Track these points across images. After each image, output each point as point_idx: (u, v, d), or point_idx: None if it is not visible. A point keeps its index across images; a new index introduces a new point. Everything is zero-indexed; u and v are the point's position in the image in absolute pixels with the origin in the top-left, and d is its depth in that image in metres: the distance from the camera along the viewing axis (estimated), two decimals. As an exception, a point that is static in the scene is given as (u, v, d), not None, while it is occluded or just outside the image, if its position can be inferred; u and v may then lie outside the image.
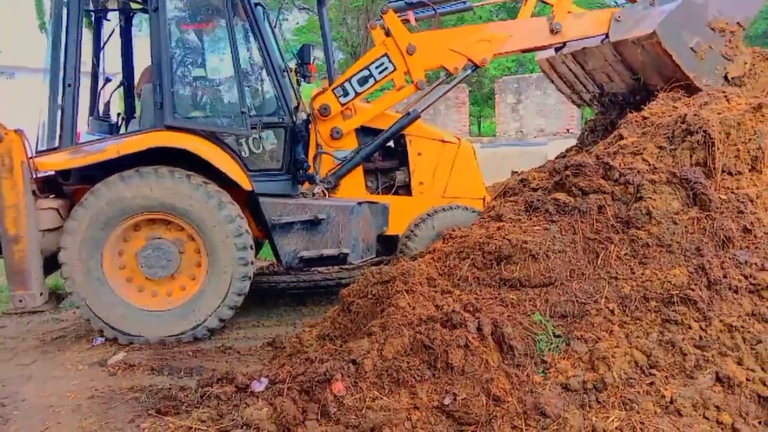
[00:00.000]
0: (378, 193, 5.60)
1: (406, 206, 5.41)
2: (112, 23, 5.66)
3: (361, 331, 3.79)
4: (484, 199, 5.65)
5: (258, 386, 3.41)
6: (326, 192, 5.30)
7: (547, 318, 3.41)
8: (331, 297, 5.89)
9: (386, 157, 5.73)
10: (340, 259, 5.10)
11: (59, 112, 4.76)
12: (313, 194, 5.23)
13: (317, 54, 6.40)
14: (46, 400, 3.82)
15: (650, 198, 3.84)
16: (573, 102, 6.54)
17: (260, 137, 5.06)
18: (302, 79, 5.52)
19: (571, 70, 5.88)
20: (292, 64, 5.58)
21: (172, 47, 4.95)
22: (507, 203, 4.50)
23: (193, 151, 4.65)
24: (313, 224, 4.98)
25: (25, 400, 3.84)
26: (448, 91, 6.42)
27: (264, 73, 5.21)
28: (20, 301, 4.59)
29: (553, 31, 5.26)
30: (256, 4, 5.00)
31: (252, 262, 4.87)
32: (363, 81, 5.23)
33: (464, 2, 5.62)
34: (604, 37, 5.31)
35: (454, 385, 3.10)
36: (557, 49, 5.86)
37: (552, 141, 13.72)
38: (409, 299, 3.66)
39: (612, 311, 3.34)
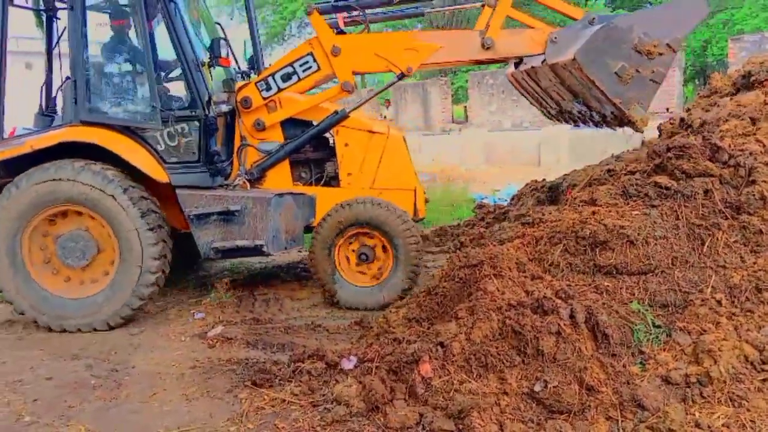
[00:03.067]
0: (311, 184, 5.59)
1: (334, 197, 5.28)
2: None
3: (448, 315, 3.78)
4: (414, 191, 5.52)
5: (347, 364, 3.49)
6: (249, 183, 5.32)
7: (645, 307, 3.24)
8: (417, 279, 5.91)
9: (316, 149, 5.66)
10: (256, 251, 5.10)
11: None
12: (234, 186, 5.25)
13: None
14: (153, 367, 4.11)
15: (764, 181, 3.55)
16: (545, 116, 6.14)
17: (175, 130, 5.07)
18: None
19: (530, 86, 5.58)
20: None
21: (86, 44, 4.99)
22: (601, 187, 4.31)
23: (103, 145, 4.78)
24: (229, 216, 5.02)
25: (135, 367, 4.15)
26: (376, 95, 6.15)
27: (178, 67, 5.21)
28: None
29: (485, 47, 5.03)
30: (170, 0, 4.99)
31: (165, 256, 4.96)
32: (287, 77, 5.21)
33: (416, 7, 5.43)
34: (543, 57, 5.02)
35: (544, 372, 3.03)
36: (516, 65, 5.52)
37: (649, 121, 12.91)
38: (498, 284, 3.60)
39: (719, 302, 3.13)
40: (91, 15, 5.06)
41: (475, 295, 3.58)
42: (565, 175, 6.42)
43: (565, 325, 3.12)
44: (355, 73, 5.29)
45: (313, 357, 3.77)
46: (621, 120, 4.83)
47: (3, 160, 4.89)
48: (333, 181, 5.58)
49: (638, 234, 3.49)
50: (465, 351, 3.20)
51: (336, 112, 5.34)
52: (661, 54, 4.58)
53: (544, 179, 7.10)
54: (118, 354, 4.40)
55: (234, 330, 4.75)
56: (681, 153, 3.82)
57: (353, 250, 5.19)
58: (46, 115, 5.64)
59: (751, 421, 2.57)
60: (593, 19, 4.79)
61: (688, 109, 5.01)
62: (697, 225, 3.51)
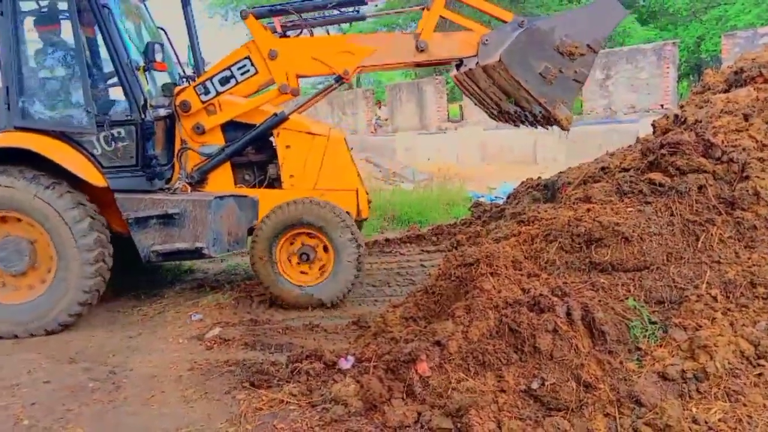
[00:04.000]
0: (254, 187, 5.62)
1: (277, 199, 5.29)
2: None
3: (445, 313, 3.79)
4: (356, 191, 5.56)
5: (345, 364, 3.50)
6: (190, 187, 5.37)
7: (641, 304, 3.26)
8: (414, 278, 5.93)
9: (259, 151, 5.67)
10: (196, 253, 5.13)
11: None
12: (175, 189, 5.29)
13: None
14: (150, 370, 4.11)
15: (758, 177, 3.57)
16: (489, 116, 6.21)
17: (111, 135, 5.07)
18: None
19: (471, 87, 5.66)
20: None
21: (19, 49, 4.99)
22: (596, 185, 4.33)
23: (37, 151, 4.79)
24: (168, 219, 5.07)
25: (133, 369, 4.14)
26: (316, 100, 6.25)
27: (113, 71, 5.19)
28: None
29: (419, 49, 5.11)
30: (103, 6, 4.97)
31: (103, 260, 4.97)
32: (224, 81, 5.25)
33: (357, 11, 5.42)
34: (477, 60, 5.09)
35: (541, 370, 3.04)
36: (458, 66, 5.57)
37: (644, 118, 12.98)
38: (494, 282, 3.61)
39: (714, 297, 3.15)
40: (25, 21, 5.09)
41: (472, 294, 3.59)
42: (561, 172, 6.43)
43: (561, 322, 3.13)
44: (299, 77, 5.31)
45: (311, 357, 3.78)
46: (549, 119, 4.96)
47: None
48: (276, 183, 5.60)
49: (633, 231, 3.51)
50: (462, 349, 3.21)
51: (275, 115, 5.37)
52: (582, 54, 4.72)
53: (539, 177, 7.12)
54: (115, 357, 4.40)
55: (232, 331, 4.75)
56: (674, 149, 3.84)
57: (294, 251, 5.22)
58: None
59: (747, 416, 2.58)
60: (522, 21, 4.90)
61: (682, 106, 5.03)
62: (691, 221, 3.53)
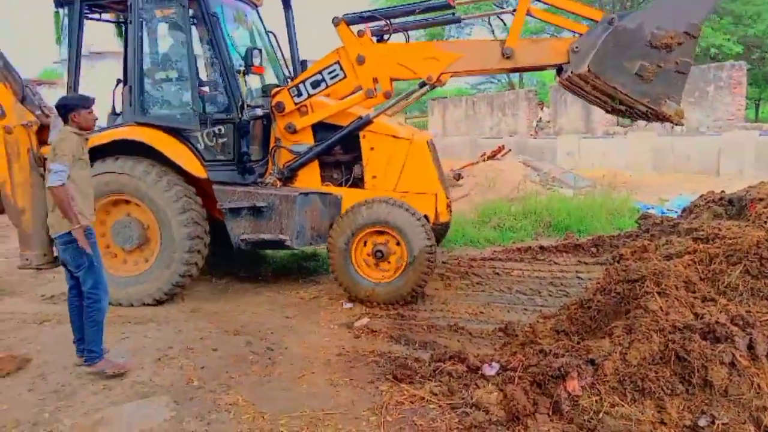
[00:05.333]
0: (341, 185, 5.81)
1: (359, 198, 5.44)
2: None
3: (602, 331, 3.54)
4: (436, 195, 5.62)
5: (489, 370, 3.41)
6: (281, 182, 5.70)
7: None
8: (568, 290, 5.62)
9: (346, 152, 5.81)
10: (280, 244, 5.49)
11: None
12: (267, 184, 5.63)
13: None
14: (303, 351, 4.36)
15: None
16: (605, 111, 5.57)
17: (213, 132, 5.52)
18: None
19: (576, 90, 5.25)
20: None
21: (141, 53, 5.57)
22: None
23: (149, 144, 5.36)
24: (258, 211, 5.44)
25: (287, 348, 4.43)
26: (402, 105, 6.03)
27: (219, 75, 5.64)
28: (26, 259, 5.68)
29: (505, 56, 5.03)
30: (212, 14, 5.39)
31: (200, 238, 5.47)
32: (316, 84, 5.52)
33: (452, 14, 5.35)
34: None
35: (712, 406, 2.71)
36: (558, 72, 5.21)
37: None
38: (662, 303, 3.29)
39: None
40: (146, 28, 5.67)
41: (634, 313, 3.31)
42: (750, 187, 5.71)
43: (741, 356, 2.76)
44: (392, 80, 5.47)
45: (455, 358, 3.74)
46: (657, 116, 4.63)
47: None
48: (360, 182, 5.79)
49: (844, 260, 2.98)
50: (619, 372, 2.97)
51: (360, 118, 5.57)
52: (680, 44, 4.43)
53: (723, 191, 6.37)
54: (273, 334, 4.73)
55: (379, 323, 4.88)
56: None
57: (369, 248, 5.35)
58: (117, 114, 6.30)
59: None
60: (612, 19, 4.67)
61: None
62: None
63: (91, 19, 5.99)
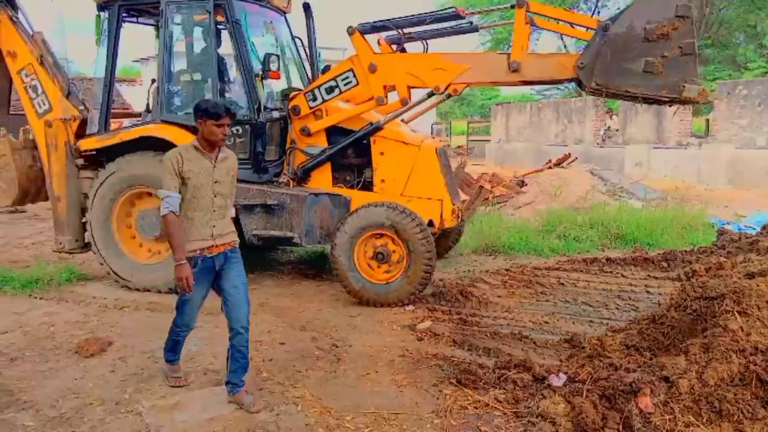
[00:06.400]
0: (352, 187, 6.02)
1: (367, 201, 5.59)
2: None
3: (676, 348, 3.44)
4: (441, 201, 5.73)
5: (556, 381, 3.38)
6: (294, 182, 5.95)
7: None
8: (637, 304, 5.47)
9: (358, 155, 6.01)
10: (288, 241, 5.73)
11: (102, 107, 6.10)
12: (280, 183, 5.90)
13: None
14: (367, 349, 4.44)
15: None
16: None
17: (232, 132, 5.72)
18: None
19: (603, 96, 5.16)
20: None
21: (170, 55, 5.91)
22: None
23: (171, 140, 5.54)
24: (269, 208, 5.65)
25: (352, 346, 4.51)
26: (417, 113, 6.34)
27: (239, 78, 5.89)
28: (60, 243, 6.27)
29: (512, 69, 5.08)
30: (236, 21, 5.64)
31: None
32: (330, 90, 5.74)
33: (470, 23, 5.41)
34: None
35: (797, 435, 2.59)
36: (579, 85, 5.17)
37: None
38: (743, 322, 3.17)
39: None
40: (174, 32, 6.05)
41: (712, 332, 3.20)
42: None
43: (831, 383, 2.63)
44: (410, 88, 5.60)
45: (520, 367, 3.72)
46: (683, 102, 4.71)
47: (102, 147, 6.04)
48: (369, 185, 5.99)
49: None
50: (695, 391, 2.88)
51: (370, 123, 5.76)
52: (676, 29, 4.43)
53: (809, 208, 6.02)
54: (338, 332, 4.84)
55: (441, 327, 4.90)
56: None
57: (370, 250, 5.48)
58: (149, 112, 6.58)
59: None
60: (606, 25, 4.71)
61: None
62: None
63: (129, 21, 6.35)
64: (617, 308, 5.41)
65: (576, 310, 5.41)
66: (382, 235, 5.45)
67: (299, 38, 6.83)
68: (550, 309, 5.42)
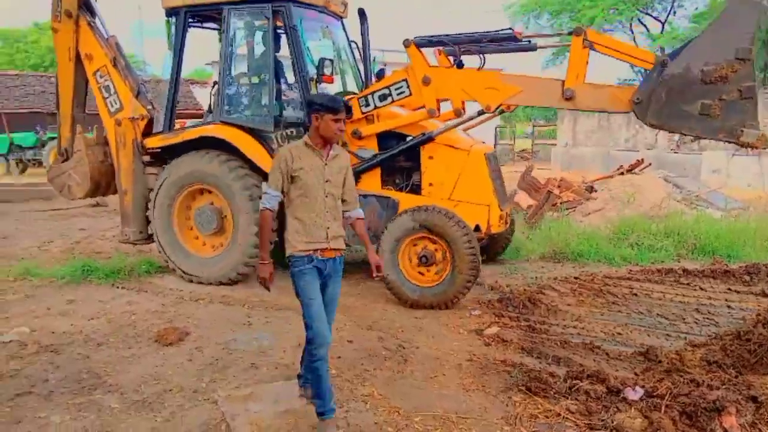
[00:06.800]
0: (401, 190, 6.08)
1: (414, 204, 5.65)
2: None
3: (764, 366, 3.27)
4: (488, 206, 5.73)
5: (633, 394, 3.27)
6: None
7: None
8: (717, 319, 5.22)
9: (408, 159, 6.06)
10: None
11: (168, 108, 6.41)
12: None
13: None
14: (433, 352, 4.44)
15: None
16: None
17: (285, 134, 6.01)
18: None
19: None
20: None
21: (230, 60, 6.20)
22: None
23: (229, 141, 5.99)
24: None
25: (419, 347, 4.53)
26: (469, 128, 6.31)
27: (295, 82, 6.07)
28: (125, 234, 6.67)
29: (565, 97, 5.02)
30: (293, 27, 5.80)
31: None
32: (383, 97, 5.78)
33: (528, 41, 5.40)
34: None
35: None
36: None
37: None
38: (841, 343, 2.97)
39: None
40: (235, 36, 6.25)
41: (807, 352, 3.01)
42: None
43: None
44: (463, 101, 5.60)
45: (593, 378, 3.63)
46: (741, 145, 4.50)
47: (166, 145, 6.36)
48: (418, 189, 6.05)
49: None
50: (786, 413, 2.72)
51: (423, 134, 5.84)
52: (735, 71, 4.27)
53: None
54: (404, 333, 4.86)
55: (509, 333, 4.83)
56: None
57: (414, 257, 5.57)
58: (211, 112, 6.77)
59: None
60: (664, 61, 4.56)
61: None
62: None
63: (194, 26, 6.60)
64: (695, 322, 5.17)
65: (650, 322, 5.22)
66: (418, 241, 5.55)
67: (355, 42, 6.93)
68: (622, 320, 5.25)
